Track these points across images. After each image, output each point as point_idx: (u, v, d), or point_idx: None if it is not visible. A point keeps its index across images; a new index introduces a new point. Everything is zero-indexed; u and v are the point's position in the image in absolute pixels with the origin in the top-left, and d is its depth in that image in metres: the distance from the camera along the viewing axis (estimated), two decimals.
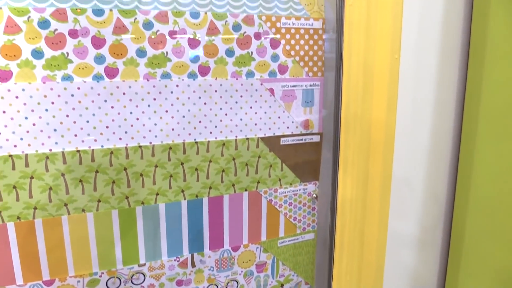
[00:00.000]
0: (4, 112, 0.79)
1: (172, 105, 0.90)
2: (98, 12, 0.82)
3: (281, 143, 1.03)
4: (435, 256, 1.26)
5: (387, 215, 1.08)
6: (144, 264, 0.95)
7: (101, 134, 0.86)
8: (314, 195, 1.09)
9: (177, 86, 0.90)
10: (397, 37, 0.98)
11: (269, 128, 1.00)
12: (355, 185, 1.04)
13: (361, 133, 1.02)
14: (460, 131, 1.16)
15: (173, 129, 0.91)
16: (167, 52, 0.88)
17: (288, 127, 1.02)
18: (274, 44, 0.97)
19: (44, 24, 0.79)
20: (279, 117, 1.01)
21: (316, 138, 1.06)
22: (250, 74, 0.96)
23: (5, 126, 0.80)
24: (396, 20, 0.97)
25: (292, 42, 0.99)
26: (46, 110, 0.82)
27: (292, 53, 0.99)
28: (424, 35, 1.07)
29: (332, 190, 1.09)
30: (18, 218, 0.84)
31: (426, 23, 1.07)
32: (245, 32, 0.94)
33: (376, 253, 1.10)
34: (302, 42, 0.99)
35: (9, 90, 0.79)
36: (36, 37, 0.79)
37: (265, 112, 0.99)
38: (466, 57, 1.12)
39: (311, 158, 1.07)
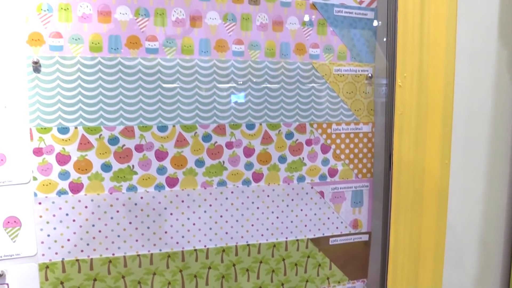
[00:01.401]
0: (74, 220, 0.86)
1: (226, 210, 0.95)
2: (162, 128, 0.88)
3: (330, 243, 1.04)
4: None
5: None
6: None
7: (160, 239, 0.91)
8: None
9: (232, 192, 0.95)
10: (447, 143, 0.99)
11: (319, 229, 1.03)
12: (405, 278, 1.04)
13: (411, 232, 1.02)
14: None
15: (226, 233, 0.95)
16: (223, 162, 0.93)
17: (337, 228, 1.04)
18: (325, 149, 1.01)
19: (113, 140, 0.86)
20: (328, 218, 1.03)
21: (364, 237, 1.07)
22: (301, 179, 0.99)
23: (74, 233, 0.86)
24: (446, 127, 0.99)
25: (342, 146, 1.02)
26: (112, 218, 0.88)
27: (342, 156, 1.02)
28: (474, 139, 1.09)
29: (380, 287, 1.09)
30: None
31: (476, 127, 1.09)
32: (297, 140, 0.98)
33: None
34: (352, 145, 1.03)
35: (79, 201, 0.85)
36: (106, 152, 0.86)
37: (315, 214, 1.02)
38: None
39: (360, 257, 1.07)
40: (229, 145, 0.93)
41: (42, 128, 0.82)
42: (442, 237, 1.02)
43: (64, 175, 0.84)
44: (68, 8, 0.82)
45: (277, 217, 0.99)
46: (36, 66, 0.81)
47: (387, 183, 1.03)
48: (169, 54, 0.88)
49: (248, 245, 0.98)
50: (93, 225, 0.87)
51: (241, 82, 0.92)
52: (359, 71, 1.01)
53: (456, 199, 1.12)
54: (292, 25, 0.95)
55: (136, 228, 0.90)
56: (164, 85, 0.88)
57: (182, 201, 0.91)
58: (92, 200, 0.86)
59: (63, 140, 0.84)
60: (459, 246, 1.17)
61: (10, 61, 0.81)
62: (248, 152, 0.95)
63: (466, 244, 1.18)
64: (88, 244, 0.87)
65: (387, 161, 1.04)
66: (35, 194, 0.83)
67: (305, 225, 1.01)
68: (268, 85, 0.94)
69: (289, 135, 0.97)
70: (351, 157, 1.03)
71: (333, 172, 1.02)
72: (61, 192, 0.85)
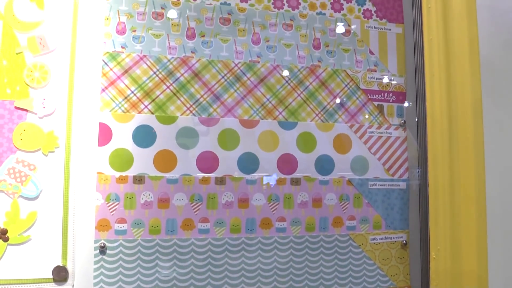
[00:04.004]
0: None
1: None
2: None
3: None
4: None
5: None
6: None
7: None
8: None
9: None
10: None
11: None
12: None
13: None
14: None
15: None
16: None
17: None
18: None
19: None
20: None
21: None
22: None
23: None
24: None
25: None
26: None
27: None
28: None
29: None
30: None
31: None
32: None
33: None
34: None
35: None
36: None
37: None
38: None
39: None
40: None
41: None
42: None
43: None
44: (132, 197, 0.94)
45: None
46: (103, 249, 0.92)
47: None
48: (219, 233, 0.97)
49: None
50: None
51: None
52: (394, 238, 1.08)
53: None
54: (330, 201, 1.04)
55: None
56: (214, 262, 0.96)
57: None
58: None
59: None
60: None
61: (79, 246, 0.91)
62: None
63: None
64: None
65: None
66: None
67: None
68: (308, 257, 1.01)
69: None
70: None
71: None
72: None
